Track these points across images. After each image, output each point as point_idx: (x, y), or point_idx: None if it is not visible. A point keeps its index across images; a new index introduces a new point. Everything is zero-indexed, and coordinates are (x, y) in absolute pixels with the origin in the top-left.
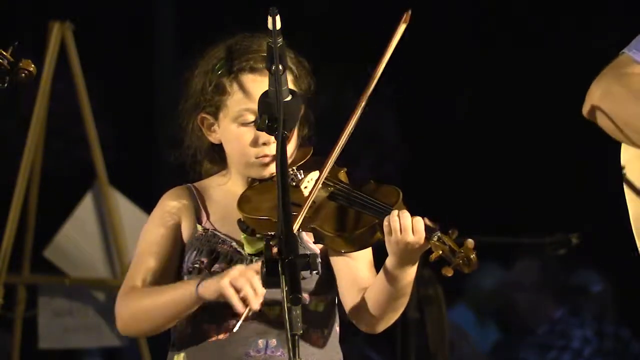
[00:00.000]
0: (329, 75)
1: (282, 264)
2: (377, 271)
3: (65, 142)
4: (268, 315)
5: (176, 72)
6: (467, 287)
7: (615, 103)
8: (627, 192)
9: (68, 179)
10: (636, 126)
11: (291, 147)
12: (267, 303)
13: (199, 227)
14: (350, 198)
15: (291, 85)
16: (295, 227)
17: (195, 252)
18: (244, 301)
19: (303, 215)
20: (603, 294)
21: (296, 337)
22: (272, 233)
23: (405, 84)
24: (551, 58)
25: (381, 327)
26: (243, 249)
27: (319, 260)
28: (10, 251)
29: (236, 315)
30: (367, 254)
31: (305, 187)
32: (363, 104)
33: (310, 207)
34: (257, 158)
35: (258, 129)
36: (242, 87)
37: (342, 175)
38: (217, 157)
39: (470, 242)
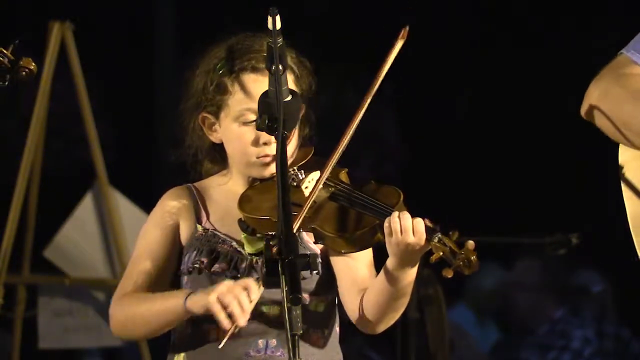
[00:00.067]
0: (329, 75)
1: (282, 264)
2: (377, 272)
3: (65, 142)
4: (268, 315)
5: (176, 72)
6: (467, 287)
7: (614, 104)
8: (625, 191)
9: (68, 179)
10: (634, 127)
11: (292, 147)
12: (267, 303)
13: (199, 227)
14: (351, 198)
15: (292, 85)
16: (295, 227)
17: (195, 252)
18: (231, 317)
19: (303, 215)
20: (603, 294)
21: (296, 337)
22: (273, 233)
23: (405, 84)
24: (551, 58)
25: (381, 327)
26: (243, 248)
27: (319, 260)
28: (10, 251)
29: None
30: (367, 254)
31: (306, 187)
32: (363, 109)
33: (310, 207)
34: (258, 158)
35: (258, 129)
36: (244, 87)
37: (343, 175)
38: (218, 156)
39: (470, 243)
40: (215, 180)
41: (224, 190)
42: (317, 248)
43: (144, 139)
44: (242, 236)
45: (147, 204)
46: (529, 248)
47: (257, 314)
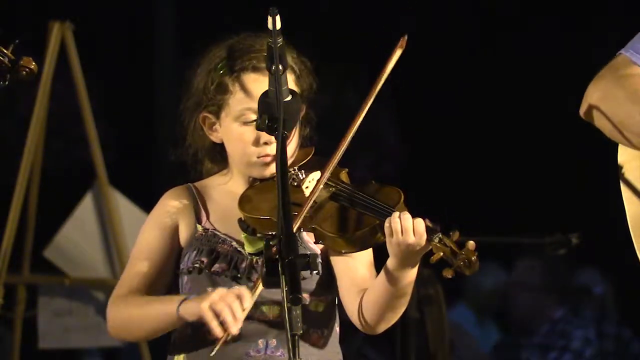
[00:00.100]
0: (329, 75)
1: (282, 264)
2: (378, 272)
3: (65, 142)
4: (268, 315)
5: (176, 72)
6: (467, 287)
7: (613, 104)
8: (624, 191)
9: (68, 179)
10: (633, 127)
11: (292, 147)
12: (267, 303)
13: (199, 227)
14: (352, 199)
15: (293, 85)
16: (295, 226)
17: (195, 251)
18: (223, 325)
19: (303, 215)
20: (603, 294)
21: (296, 337)
22: (273, 233)
23: (405, 83)
24: (551, 58)
25: (381, 327)
26: (243, 248)
27: (319, 260)
28: (10, 251)
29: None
30: (367, 254)
31: (307, 187)
32: (363, 113)
33: (311, 207)
34: (258, 157)
35: (258, 129)
36: (244, 87)
37: (344, 175)
38: (219, 156)
39: (471, 243)
40: (216, 180)
41: (224, 190)
42: (317, 248)
43: (144, 139)
44: (242, 236)
45: (147, 204)
46: (529, 248)
47: (257, 314)
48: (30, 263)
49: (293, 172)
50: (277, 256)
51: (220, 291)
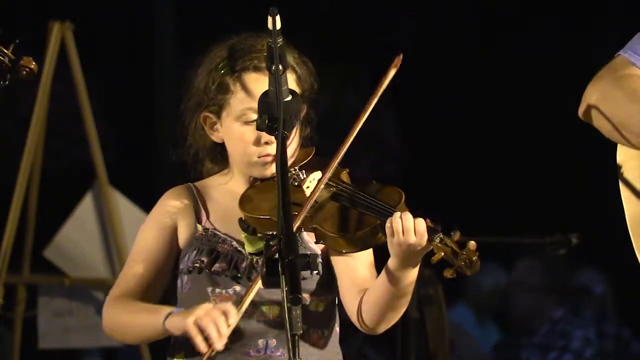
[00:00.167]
0: (329, 75)
1: (282, 264)
2: (378, 272)
3: (65, 142)
4: (268, 315)
5: (176, 72)
6: (467, 287)
7: (612, 104)
8: (623, 191)
9: (68, 179)
10: (632, 127)
11: (293, 147)
12: (267, 303)
13: (199, 227)
14: (353, 199)
15: (294, 85)
16: (296, 226)
17: (195, 251)
18: (208, 341)
19: (304, 215)
20: (603, 294)
21: (296, 337)
22: (273, 232)
23: (405, 84)
24: (551, 58)
25: (382, 327)
26: (243, 248)
27: (320, 260)
28: (10, 251)
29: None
30: (368, 254)
31: (308, 187)
32: (363, 118)
33: (312, 206)
34: (259, 157)
35: (258, 129)
36: (245, 86)
37: (345, 175)
38: (219, 156)
39: (472, 244)
40: (216, 179)
41: (225, 190)
42: (317, 248)
43: (144, 139)
44: (242, 236)
45: (147, 204)
46: (529, 248)
47: (257, 314)
48: (30, 263)
49: (294, 172)
50: (277, 256)
51: (206, 306)
